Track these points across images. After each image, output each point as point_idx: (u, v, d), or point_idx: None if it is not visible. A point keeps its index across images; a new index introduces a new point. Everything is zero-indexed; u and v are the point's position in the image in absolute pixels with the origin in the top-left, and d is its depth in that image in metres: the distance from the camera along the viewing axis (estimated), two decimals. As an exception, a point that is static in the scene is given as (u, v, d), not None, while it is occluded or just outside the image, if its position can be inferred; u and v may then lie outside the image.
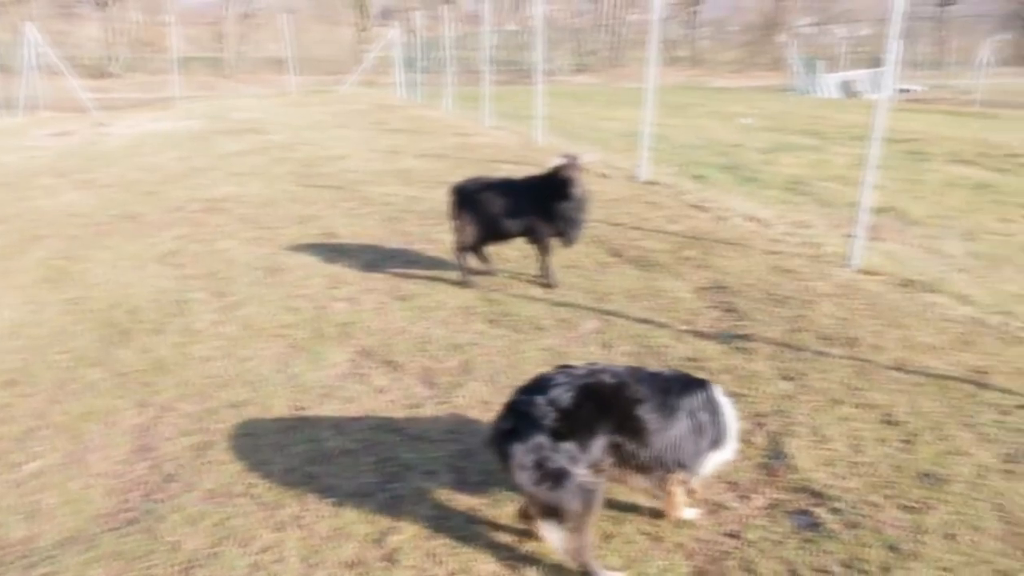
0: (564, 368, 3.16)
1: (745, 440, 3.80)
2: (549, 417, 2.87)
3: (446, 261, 6.81)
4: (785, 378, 4.53)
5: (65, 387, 4.65)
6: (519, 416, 2.93)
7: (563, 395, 2.94)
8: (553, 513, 2.84)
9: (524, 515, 3.17)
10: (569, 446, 2.85)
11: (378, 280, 6.39)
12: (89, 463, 3.82)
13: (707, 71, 54.70)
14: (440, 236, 7.61)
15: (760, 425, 4.01)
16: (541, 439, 2.83)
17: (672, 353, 4.88)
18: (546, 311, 5.61)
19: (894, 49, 6.38)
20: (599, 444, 2.92)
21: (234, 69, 41.45)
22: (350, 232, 7.84)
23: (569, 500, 2.81)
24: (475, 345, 5.03)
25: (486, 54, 18.54)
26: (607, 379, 3.08)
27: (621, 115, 21.26)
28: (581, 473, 2.84)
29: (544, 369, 3.31)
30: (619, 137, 16.55)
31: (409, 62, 28.65)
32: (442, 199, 9.16)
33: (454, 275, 6.38)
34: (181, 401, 4.37)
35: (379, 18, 53.03)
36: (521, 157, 12.36)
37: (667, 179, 10.70)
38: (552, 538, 2.90)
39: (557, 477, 2.82)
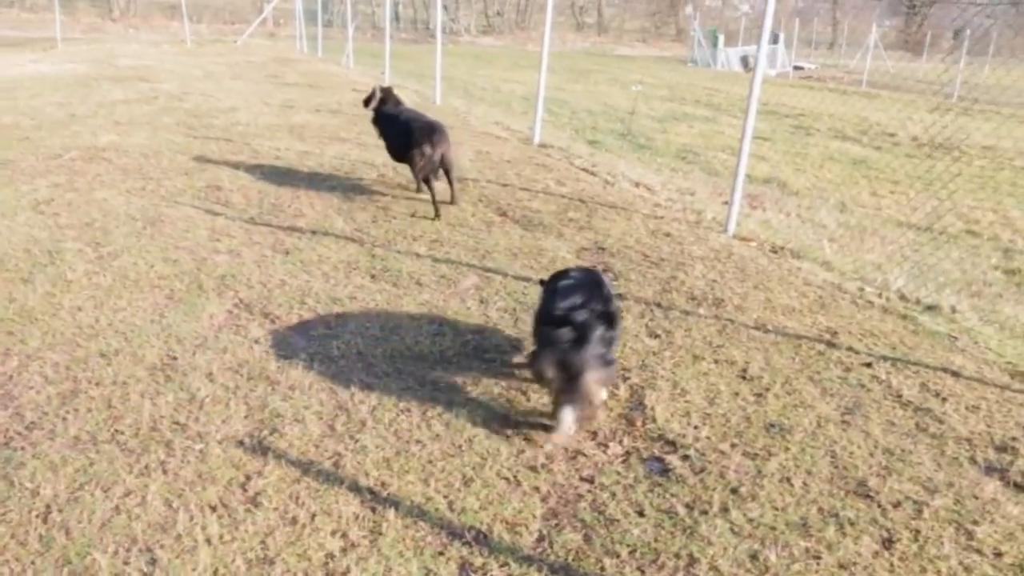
0: (561, 275, 4.04)
1: (609, 392, 4.02)
2: (594, 319, 3.54)
3: (332, 216, 6.81)
4: (652, 335, 4.77)
5: (-77, 335, 4.50)
6: (577, 326, 3.49)
7: (587, 299, 3.65)
8: (594, 396, 3.56)
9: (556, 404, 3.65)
10: (610, 335, 3.63)
11: (262, 234, 6.35)
12: (-53, 411, 3.73)
13: (612, 39, 55.22)
14: (329, 192, 7.58)
15: (624, 379, 4.22)
16: (599, 336, 3.52)
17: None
18: (428, 267, 5.71)
19: (767, 28, 6.67)
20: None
21: (124, 12, 39.46)
22: (236, 185, 7.72)
23: (613, 379, 3.91)
24: (354, 299, 5.09)
25: (388, 11, 18.27)
26: (598, 279, 3.97)
27: (524, 78, 21.37)
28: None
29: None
30: (520, 100, 16.68)
31: (310, 15, 27.90)
32: (333, 155, 9.13)
33: (339, 230, 6.40)
34: (48, 350, 4.29)
35: (281, -33, 51.30)
36: (418, 116, 12.34)
37: (561, 143, 10.90)
38: (571, 421, 3.58)
39: (610, 365, 3.63)
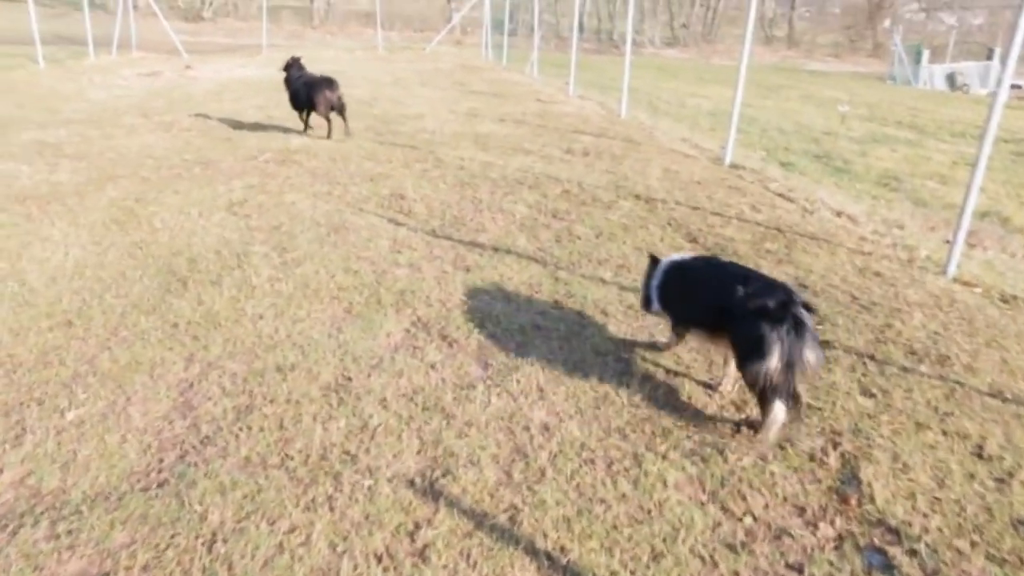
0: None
1: (817, 459, 3.50)
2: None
3: (514, 233, 6.58)
4: (866, 394, 4.17)
5: (117, 333, 4.59)
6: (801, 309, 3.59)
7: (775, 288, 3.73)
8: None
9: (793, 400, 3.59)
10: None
11: (443, 248, 6.19)
12: (130, 416, 3.72)
13: (803, 53, 52.81)
14: (512, 207, 7.36)
15: (834, 444, 3.68)
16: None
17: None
18: (614, 296, 5.33)
19: (1020, 40, 5.82)
20: None
21: (323, 20, 41.61)
22: (420, 195, 7.66)
23: None
24: (536, 327, 4.79)
25: (575, 20, 18.05)
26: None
27: (709, 93, 20.62)
28: None
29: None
30: (707, 116, 16.01)
31: (497, 24, 28.25)
32: (517, 168, 8.93)
33: (521, 249, 6.15)
34: (228, 359, 4.25)
35: (471, -23, 52.62)
36: (602, 130, 12.01)
37: (754, 164, 10.24)
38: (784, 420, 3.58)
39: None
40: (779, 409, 3.53)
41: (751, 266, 5.96)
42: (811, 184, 9.55)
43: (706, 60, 43.33)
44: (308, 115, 10.82)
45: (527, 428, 3.67)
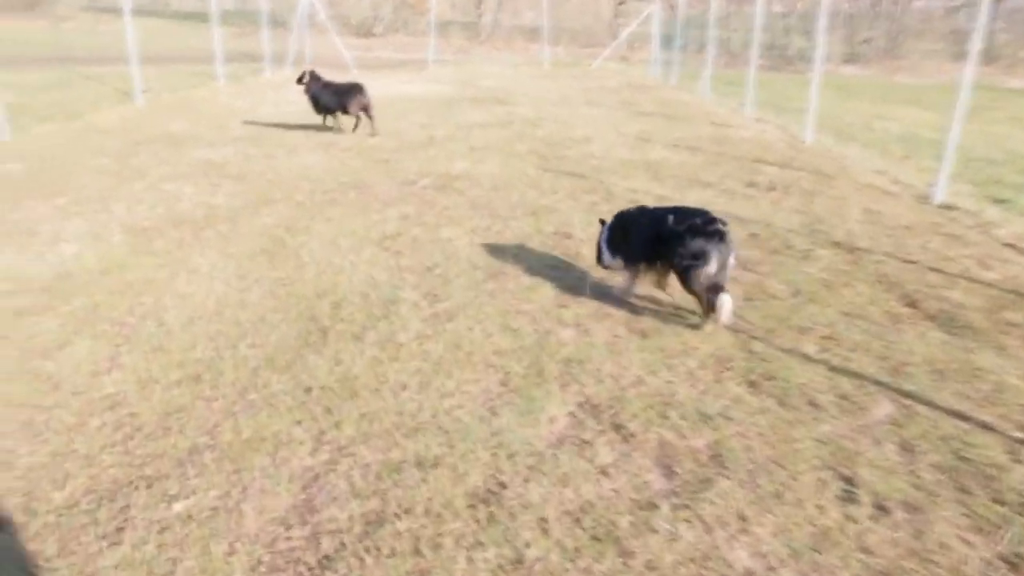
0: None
1: None
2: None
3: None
4: None
5: (246, 395, 4.05)
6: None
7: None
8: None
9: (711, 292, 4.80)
10: None
11: (614, 303, 5.38)
12: (243, 514, 3.12)
13: (1002, 69, 48.37)
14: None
15: None
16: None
17: (1006, 478, 3.48)
18: (822, 378, 4.34)
19: None
20: None
21: (489, 35, 41.75)
22: (588, 234, 6.86)
23: None
24: (729, 420, 3.89)
25: (756, 35, 16.79)
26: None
27: (898, 114, 18.75)
28: None
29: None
30: (897, 141, 14.38)
31: (666, 39, 27.17)
32: (694, 203, 7.95)
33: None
34: (362, 443, 3.60)
35: (639, -9, 51.58)
36: (787, 158, 10.83)
37: (967, 203, 8.82)
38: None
39: None
40: (726, 300, 4.73)
41: (992, 345, 4.81)
42: (1045, 231, 8.08)
43: (889, 78, 40.33)
44: (334, 117, 12.30)
45: (730, 581, 2.80)
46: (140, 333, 4.82)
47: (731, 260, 4.73)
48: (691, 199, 8.19)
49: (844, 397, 4.15)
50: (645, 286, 5.50)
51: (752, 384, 4.27)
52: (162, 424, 3.81)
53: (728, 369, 4.44)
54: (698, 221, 4.72)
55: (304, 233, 6.79)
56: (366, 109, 11.83)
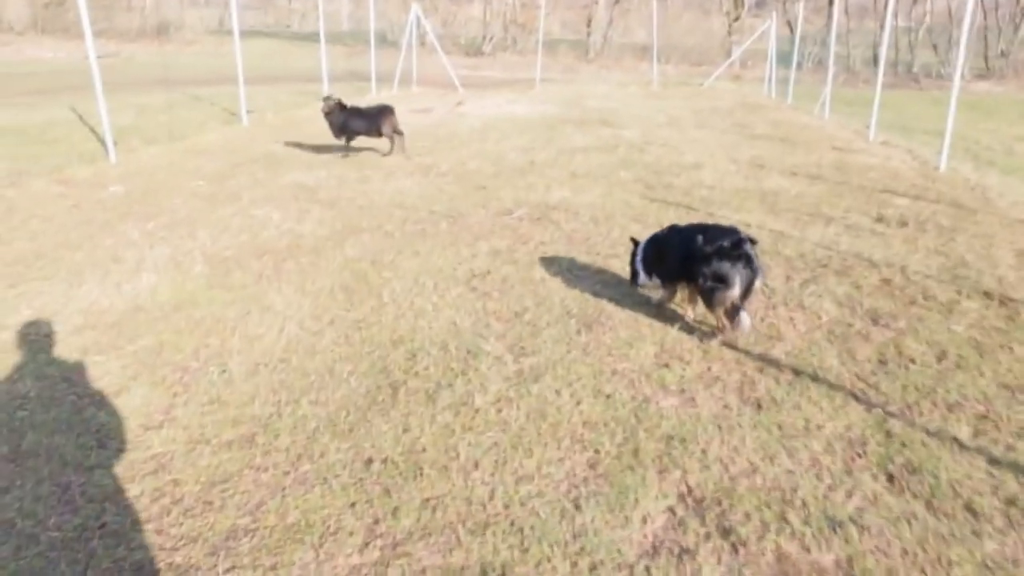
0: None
1: None
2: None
3: (821, 345, 4.93)
4: None
5: (298, 466, 3.58)
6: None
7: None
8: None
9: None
10: None
11: (724, 361, 4.69)
12: (273, 630, 2.62)
13: None
14: (815, 303, 5.67)
15: None
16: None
17: None
18: (982, 475, 3.54)
19: None
20: None
21: (598, 54, 41.14)
22: (694, 276, 6.19)
23: None
24: (862, 528, 3.15)
25: (883, 51, 15.61)
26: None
27: (1045, 138, 17.14)
28: None
29: None
30: (1048, 169, 13.02)
31: (781, 57, 25.98)
32: (816, 242, 7.15)
33: (833, 374, 4.51)
34: (420, 540, 3.05)
35: (753, 8, 50.02)
36: (920, 189, 9.80)
37: None
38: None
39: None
40: (745, 317, 4.76)
41: None
42: None
43: (1026, 97, 37.59)
44: (353, 138, 11.89)
45: None
46: (200, 381, 4.45)
47: (757, 283, 4.75)
48: (812, 237, 7.37)
49: (1012, 502, 3.36)
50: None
51: (891, 478, 3.51)
52: (204, 497, 3.37)
53: (860, 456, 3.70)
54: (726, 244, 4.69)
55: (389, 268, 6.35)
56: (396, 130, 11.85)
